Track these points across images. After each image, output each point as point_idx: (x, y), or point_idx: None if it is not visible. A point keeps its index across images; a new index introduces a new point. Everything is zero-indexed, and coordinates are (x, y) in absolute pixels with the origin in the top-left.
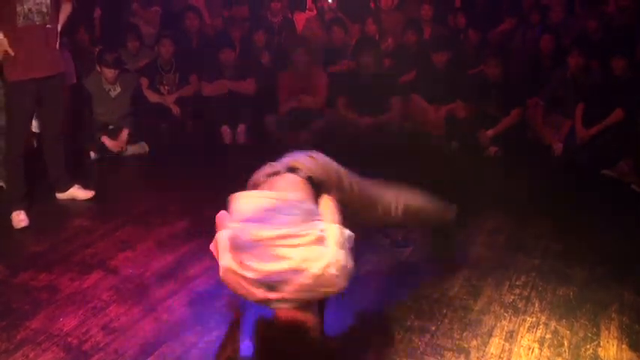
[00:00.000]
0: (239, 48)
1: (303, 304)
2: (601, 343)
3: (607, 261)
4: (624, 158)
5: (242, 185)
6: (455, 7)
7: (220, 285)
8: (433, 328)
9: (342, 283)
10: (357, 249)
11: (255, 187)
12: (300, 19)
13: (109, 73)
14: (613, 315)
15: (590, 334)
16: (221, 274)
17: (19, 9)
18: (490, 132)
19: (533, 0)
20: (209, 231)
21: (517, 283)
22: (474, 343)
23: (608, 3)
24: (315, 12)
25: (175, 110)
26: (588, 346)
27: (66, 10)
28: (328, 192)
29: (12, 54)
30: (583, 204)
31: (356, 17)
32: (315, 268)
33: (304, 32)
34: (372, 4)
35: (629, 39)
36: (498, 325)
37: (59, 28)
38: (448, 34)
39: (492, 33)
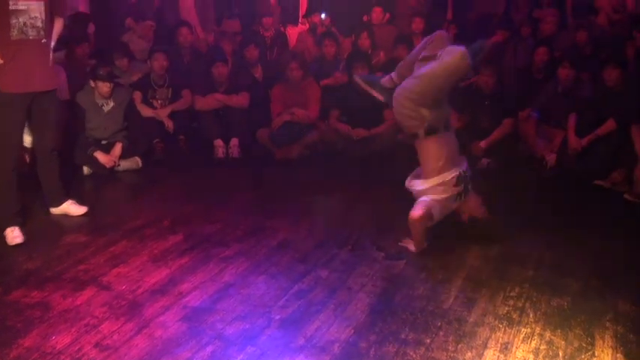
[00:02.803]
0: (231, 62)
1: None
2: (596, 353)
3: (601, 271)
4: (617, 168)
5: (236, 198)
6: (446, 19)
7: (214, 300)
8: (428, 341)
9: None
10: (350, 262)
11: None
12: (292, 33)
13: (105, 87)
14: (607, 325)
15: (584, 344)
16: None
17: (13, 21)
18: (483, 143)
19: (525, 13)
20: (202, 245)
21: (511, 294)
22: (469, 355)
23: (598, 14)
24: (307, 26)
25: (168, 124)
26: (583, 356)
27: (58, 26)
28: None
29: (1, 62)
30: (576, 214)
31: (348, 31)
32: None
33: (297, 46)
34: (364, 18)
35: (619, 50)
36: (493, 336)
37: (52, 44)
38: None
39: None
